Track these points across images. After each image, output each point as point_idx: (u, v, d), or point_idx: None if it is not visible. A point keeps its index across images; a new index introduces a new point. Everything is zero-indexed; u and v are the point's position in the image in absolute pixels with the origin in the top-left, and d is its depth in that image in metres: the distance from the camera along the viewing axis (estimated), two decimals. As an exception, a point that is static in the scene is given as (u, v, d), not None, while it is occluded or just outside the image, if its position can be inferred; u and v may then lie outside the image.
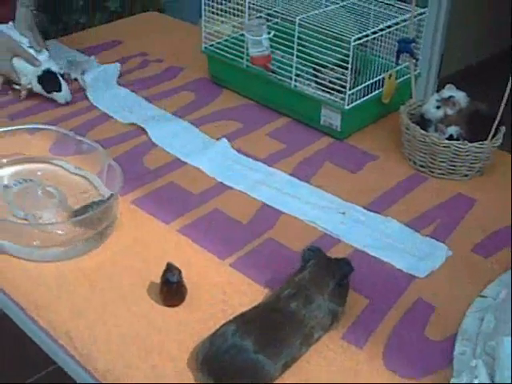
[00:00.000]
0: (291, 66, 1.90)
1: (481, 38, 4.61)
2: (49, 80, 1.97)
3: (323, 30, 1.85)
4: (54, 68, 1.98)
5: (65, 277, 1.36)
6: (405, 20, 1.90)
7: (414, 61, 1.87)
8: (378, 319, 1.30)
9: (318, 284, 1.24)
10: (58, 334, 1.25)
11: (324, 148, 1.82)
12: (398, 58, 1.87)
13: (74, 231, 1.43)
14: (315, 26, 1.86)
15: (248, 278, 1.37)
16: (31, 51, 1.99)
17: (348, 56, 1.77)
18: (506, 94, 1.58)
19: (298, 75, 1.93)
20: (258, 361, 1.13)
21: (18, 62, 1.98)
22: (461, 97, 1.74)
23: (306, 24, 1.87)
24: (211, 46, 2.11)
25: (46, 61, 1.99)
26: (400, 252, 1.46)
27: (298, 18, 1.85)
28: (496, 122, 1.65)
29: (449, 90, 1.76)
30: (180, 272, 1.29)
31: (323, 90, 1.89)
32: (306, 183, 1.67)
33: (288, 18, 1.93)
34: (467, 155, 1.67)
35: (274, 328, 1.17)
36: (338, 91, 1.83)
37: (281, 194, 1.63)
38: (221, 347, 1.14)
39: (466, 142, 1.66)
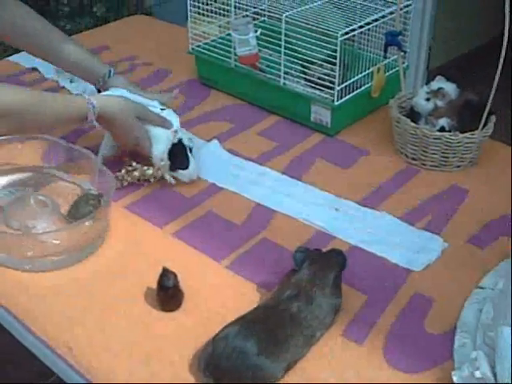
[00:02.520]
0: (279, 64, 1.90)
1: (468, 28, 4.61)
2: (177, 154, 1.62)
3: (310, 27, 1.85)
4: (185, 140, 1.64)
5: (60, 286, 1.35)
6: (391, 13, 1.89)
7: (401, 53, 1.87)
8: (377, 315, 1.29)
9: (319, 281, 1.24)
10: (56, 344, 1.24)
11: (315, 145, 1.82)
12: (385, 51, 1.87)
13: (69, 239, 1.42)
14: (302, 22, 1.86)
15: (245, 280, 1.37)
16: (162, 113, 1.68)
17: (336, 51, 1.76)
18: (495, 84, 1.58)
19: (286, 73, 1.92)
20: (260, 364, 1.12)
21: (151, 129, 1.63)
22: (450, 88, 1.74)
23: (293, 21, 1.87)
24: (198, 46, 2.11)
25: (179, 128, 1.66)
26: (395, 246, 1.46)
27: (285, 15, 1.85)
28: (486, 112, 1.65)
29: (438, 82, 1.76)
30: (176, 276, 1.29)
31: (312, 87, 1.89)
32: (298, 181, 1.67)
33: (274, 15, 1.92)
34: (458, 146, 1.67)
35: (276, 330, 1.17)
36: (327, 87, 1.82)
37: (274, 193, 1.62)
38: (223, 351, 1.13)
39: (456, 132, 1.66)
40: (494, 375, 1.10)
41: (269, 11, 2.01)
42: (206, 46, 2.09)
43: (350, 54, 1.91)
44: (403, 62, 1.90)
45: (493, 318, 1.19)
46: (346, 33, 1.79)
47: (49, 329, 1.27)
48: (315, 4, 1.96)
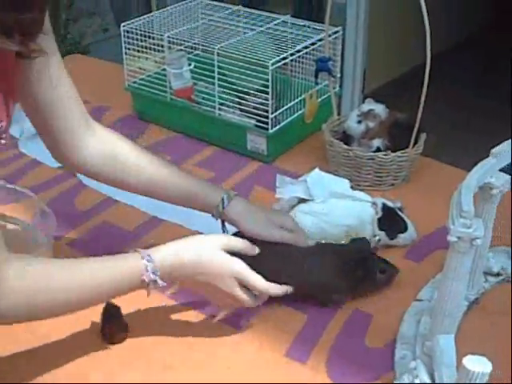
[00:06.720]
0: (214, 96, 1.93)
1: (401, 51, 4.71)
2: (391, 221, 1.53)
3: (243, 57, 1.89)
4: (388, 203, 1.55)
5: (4, 326, 1.35)
6: (320, 39, 1.94)
7: (332, 79, 1.92)
8: (319, 333, 1.32)
9: None
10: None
11: (252, 172, 1.86)
12: (316, 77, 1.91)
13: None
14: (235, 53, 1.90)
15: (188, 307, 1.39)
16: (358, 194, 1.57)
17: (268, 80, 1.80)
18: (421, 103, 1.63)
19: (222, 104, 1.96)
20: None
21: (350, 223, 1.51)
22: (380, 109, 1.79)
23: (226, 53, 1.90)
24: (134, 82, 2.13)
25: (373, 199, 1.55)
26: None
27: (217, 47, 1.88)
28: (415, 130, 1.69)
29: (368, 104, 1.81)
30: (119, 309, 1.30)
31: (248, 117, 1.92)
32: (237, 208, 1.69)
33: (208, 48, 1.95)
34: (391, 165, 1.71)
35: None
36: (262, 116, 1.86)
37: (214, 222, 1.64)
38: None
39: (388, 152, 1.70)
40: (433, 382, 1.13)
41: (202, 44, 2.04)
42: (142, 82, 2.12)
43: (282, 82, 1.95)
44: (334, 87, 1.95)
45: (430, 328, 1.23)
46: (278, 61, 1.83)
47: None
48: (247, 35, 2.00)
